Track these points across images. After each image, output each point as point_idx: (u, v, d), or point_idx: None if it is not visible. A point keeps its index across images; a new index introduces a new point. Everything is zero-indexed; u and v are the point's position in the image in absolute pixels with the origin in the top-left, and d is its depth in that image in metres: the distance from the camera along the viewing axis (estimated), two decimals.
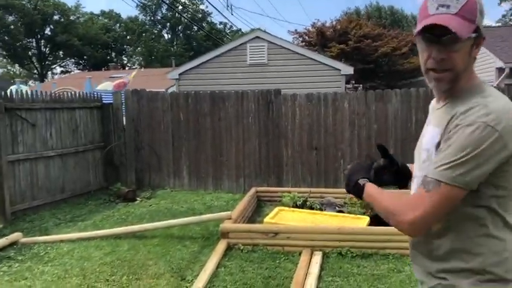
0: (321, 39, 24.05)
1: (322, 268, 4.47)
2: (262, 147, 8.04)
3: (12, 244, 5.29)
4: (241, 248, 5.00)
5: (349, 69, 12.16)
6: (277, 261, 4.68)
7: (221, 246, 4.96)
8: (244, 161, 8.12)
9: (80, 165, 7.88)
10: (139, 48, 52.98)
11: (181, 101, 8.34)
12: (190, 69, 12.78)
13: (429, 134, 1.45)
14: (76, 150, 7.79)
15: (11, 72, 49.45)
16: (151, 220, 6.28)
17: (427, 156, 1.41)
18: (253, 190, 7.30)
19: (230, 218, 5.37)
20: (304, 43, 25.20)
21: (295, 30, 26.97)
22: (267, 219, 5.80)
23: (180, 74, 12.75)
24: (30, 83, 38.76)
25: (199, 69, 12.66)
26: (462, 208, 1.34)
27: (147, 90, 8.82)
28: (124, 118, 8.57)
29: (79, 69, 49.05)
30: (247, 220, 6.18)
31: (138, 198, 7.66)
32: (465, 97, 1.36)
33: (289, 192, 6.97)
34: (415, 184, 1.53)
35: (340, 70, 11.99)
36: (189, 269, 4.45)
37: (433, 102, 1.57)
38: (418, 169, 1.51)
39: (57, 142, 7.39)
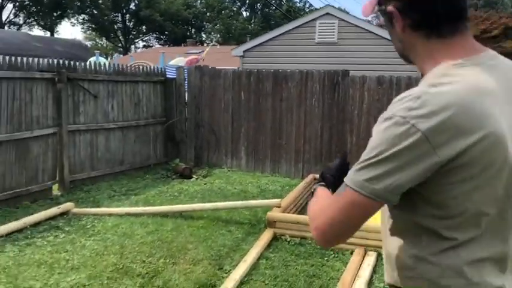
0: None
1: (374, 271, 4.03)
2: (324, 132, 7.58)
3: (64, 214, 5.36)
4: (288, 239, 4.67)
5: None
6: (325, 259, 4.30)
7: (267, 235, 4.66)
8: (305, 146, 7.72)
9: (141, 139, 7.91)
10: (217, 26, 53.48)
11: (243, 79, 8.05)
12: (255, 46, 12.43)
13: None
14: (137, 124, 7.81)
15: (99, 45, 52.01)
16: (202, 199, 6.12)
17: None
18: (310, 177, 6.90)
19: (279, 206, 5.04)
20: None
21: None
22: None
23: (244, 51, 12.45)
24: (115, 56, 40.55)
25: (265, 47, 12.28)
26: (398, 217, 1.11)
27: (216, 67, 8.65)
28: (186, 94, 8.46)
29: (160, 44, 50.52)
30: (300, 209, 5.81)
31: (194, 176, 7.55)
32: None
33: None
34: None
35: None
36: (228, 257, 4.20)
37: None
38: None
39: (118, 115, 7.43)
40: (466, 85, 0.98)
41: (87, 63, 7.46)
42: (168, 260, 4.06)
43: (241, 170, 8.07)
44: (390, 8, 1.07)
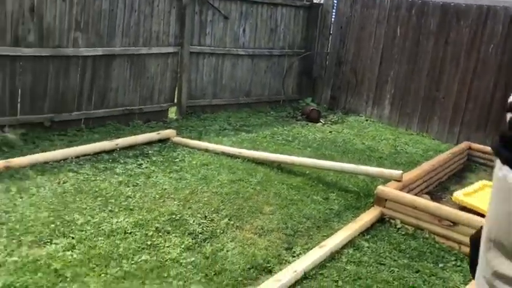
0: None
1: None
2: (497, 90, 5.78)
3: (164, 140, 5.00)
4: (399, 226, 3.53)
5: None
6: (441, 265, 3.10)
7: (370, 214, 3.58)
8: (468, 104, 6.04)
9: (273, 70, 7.13)
10: None
11: (403, 11, 6.50)
12: None
13: None
14: (270, 53, 7.01)
15: None
16: (315, 151, 5.20)
17: None
18: (464, 145, 5.38)
19: (399, 180, 3.85)
20: None
21: None
22: (458, 194, 4.06)
23: None
24: None
25: None
26: None
27: None
28: (332, 24, 7.29)
29: None
30: (435, 185, 4.50)
31: (321, 121, 6.58)
32: None
33: None
34: None
35: None
36: (307, 235, 3.29)
37: None
38: None
39: (249, 40, 6.70)
40: None
41: None
42: (233, 222, 3.33)
43: (381, 122, 6.80)
44: None
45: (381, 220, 3.61)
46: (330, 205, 3.79)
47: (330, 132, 6.10)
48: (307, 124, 6.37)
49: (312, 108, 6.68)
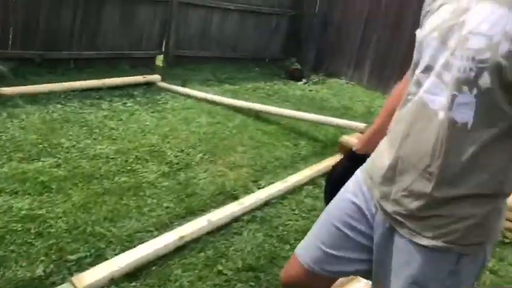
0: None
1: None
2: None
3: (149, 84, 5.25)
4: None
5: None
6: None
7: (333, 160, 3.91)
8: None
9: (260, 28, 7.32)
10: None
11: None
12: None
13: (485, 15, 0.99)
14: (259, 10, 7.18)
15: None
16: (292, 106, 5.47)
17: (488, 45, 0.97)
18: None
19: (362, 132, 4.17)
20: None
21: None
22: None
23: None
24: None
25: None
26: None
27: None
28: None
29: None
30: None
31: (303, 80, 6.84)
32: None
33: None
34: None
35: None
36: (274, 172, 3.61)
37: None
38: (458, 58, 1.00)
39: None
40: None
41: None
42: (207, 157, 3.64)
43: (361, 85, 7.09)
44: None
45: None
46: (298, 150, 4.11)
47: (310, 90, 6.39)
48: (288, 82, 6.64)
49: (295, 67, 6.93)
